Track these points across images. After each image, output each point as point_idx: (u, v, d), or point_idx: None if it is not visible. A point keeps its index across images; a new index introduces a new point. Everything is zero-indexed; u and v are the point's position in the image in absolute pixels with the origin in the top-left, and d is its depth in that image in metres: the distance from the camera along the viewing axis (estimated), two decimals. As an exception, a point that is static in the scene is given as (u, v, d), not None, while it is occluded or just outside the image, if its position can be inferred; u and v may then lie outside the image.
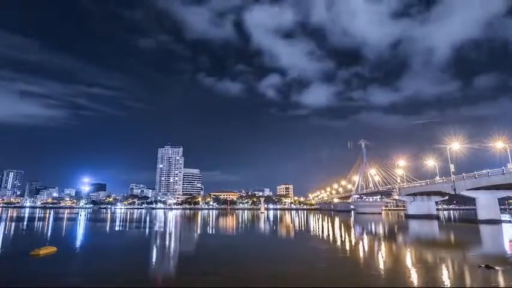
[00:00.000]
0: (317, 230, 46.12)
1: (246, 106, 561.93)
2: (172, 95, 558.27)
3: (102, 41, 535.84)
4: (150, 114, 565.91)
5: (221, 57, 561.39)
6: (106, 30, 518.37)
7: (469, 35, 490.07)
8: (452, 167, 68.61)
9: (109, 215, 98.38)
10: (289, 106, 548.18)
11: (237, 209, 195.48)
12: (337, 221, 70.70)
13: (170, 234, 39.68)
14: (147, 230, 46.54)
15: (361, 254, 22.65)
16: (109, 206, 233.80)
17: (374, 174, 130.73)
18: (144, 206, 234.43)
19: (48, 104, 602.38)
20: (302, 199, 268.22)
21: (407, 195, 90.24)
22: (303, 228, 50.54)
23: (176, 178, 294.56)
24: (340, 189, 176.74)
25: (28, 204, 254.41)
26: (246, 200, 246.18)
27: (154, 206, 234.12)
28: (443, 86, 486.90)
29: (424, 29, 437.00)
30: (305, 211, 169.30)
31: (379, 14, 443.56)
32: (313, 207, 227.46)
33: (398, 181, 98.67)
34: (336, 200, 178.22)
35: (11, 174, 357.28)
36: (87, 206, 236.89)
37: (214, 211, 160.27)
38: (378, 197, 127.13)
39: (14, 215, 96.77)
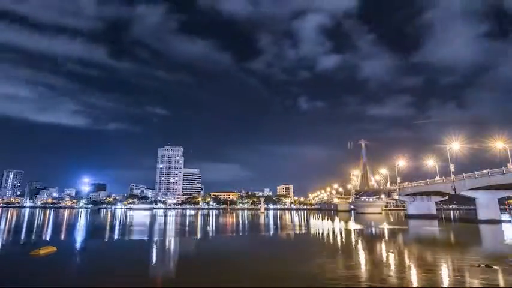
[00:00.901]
0: (316, 230, 46.13)
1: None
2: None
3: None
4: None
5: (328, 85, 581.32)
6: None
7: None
8: (452, 167, 68.54)
9: (109, 215, 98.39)
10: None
11: (237, 209, 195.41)
12: (336, 221, 70.70)
13: (170, 234, 39.68)
14: (146, 230, 46.54)
15: (361, 255, 22.67)
16: (109, 206, 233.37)
17: (374, 174, 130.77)
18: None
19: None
20: (302, 199, 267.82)
21: (407, 195, 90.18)
22: (302, 228, 50.57)
23: (176, 178, 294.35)
24: (341, 189, 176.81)
25: (28, 204, 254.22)
26: (246, 200, 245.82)
27: (154, 206, 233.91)
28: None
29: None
30: (305, 211, 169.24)
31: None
32: (313, 207, 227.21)
33: (398, 181, 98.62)
34: (336, 200, 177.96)
35: (11, 174, 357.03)
36: (87, 206, 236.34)
37: (214, 211, 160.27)
38: (378, 196, 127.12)
39: (14, 215, 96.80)
